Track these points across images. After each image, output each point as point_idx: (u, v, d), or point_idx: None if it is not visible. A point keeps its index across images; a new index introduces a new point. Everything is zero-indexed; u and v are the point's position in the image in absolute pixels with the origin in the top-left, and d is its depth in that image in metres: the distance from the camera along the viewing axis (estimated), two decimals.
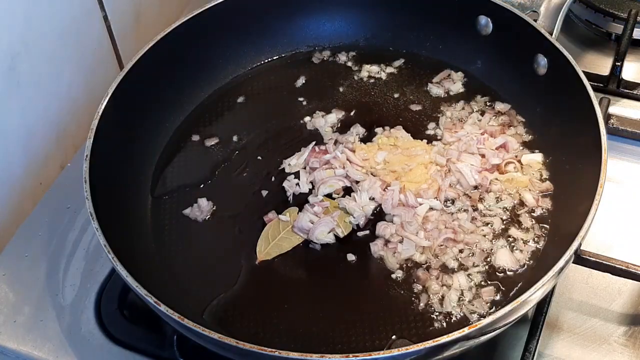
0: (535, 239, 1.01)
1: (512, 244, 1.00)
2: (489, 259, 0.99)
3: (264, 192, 1.09)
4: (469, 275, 0.97)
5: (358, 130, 1.16)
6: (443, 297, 0.95)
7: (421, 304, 0.95)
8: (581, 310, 1.00)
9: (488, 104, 1.18)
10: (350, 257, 1.01)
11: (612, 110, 1.20)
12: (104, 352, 0.99)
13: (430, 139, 1.14)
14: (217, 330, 0.81)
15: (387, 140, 1.13)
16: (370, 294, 0.97)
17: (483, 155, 1.10)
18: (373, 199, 1.06)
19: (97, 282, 1.05)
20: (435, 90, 1.21)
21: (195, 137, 1.17)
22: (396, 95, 1.21)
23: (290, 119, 1.19)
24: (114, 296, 1.03)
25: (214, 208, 1.07)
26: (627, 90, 1.25)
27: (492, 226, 1.03)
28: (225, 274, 1.00)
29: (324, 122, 1.18)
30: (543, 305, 0.96)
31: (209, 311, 0.96)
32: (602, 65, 1.30)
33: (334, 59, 1.27)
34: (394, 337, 0.92)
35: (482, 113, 1.16)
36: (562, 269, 0.86)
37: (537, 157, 1.10)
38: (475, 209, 1.04)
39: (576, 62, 1.04)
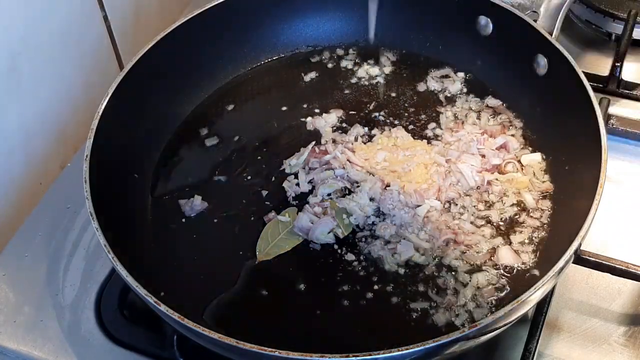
0: (535, 239, 1.01)
1: (513, 244, 1.00)
2: (489, 259, 0.99)
3: (264, 192, 1.09)
4: (469, 274, 0.98)
5: (358, 130, 1.16)
6: (453, 294, 0.95)
7: (421, 304, 0.95)
8: (581, 310, 1.00)
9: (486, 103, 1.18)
10: (350, 257, 1.01)
11: (612, 110, 1.20)
12: (104, 352, 0.99)
13: (430, 139, 1.14)
14: (217, 330, 0.81)
15: (387, 140, 1.13)
16: (370, 294, 0.97)
17: (483, 156, 1.10)
18: (373, 199, 1.06)
19: (97, 282, 1.05)
20: (433, 84, 1.21)
21: (196, 138, 1.17)
22: (396, 95, 1.21)
23: (290, 119, 1.19)
24: (114, 296, 1.03)
25: (206, 209, 1.07)
26: (627, 91, 1.24)
27: (492, 226, 1.03)
28: (225, 274, 1.00)
29: (324, 122, 1.18)
30: (543, 305, 0.96)
31: (209, 311, 0.96)
32: (602, 65, 1.30)
33: (334, 59, 1.27)
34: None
35: (480, 112, 1.17)
36: (562, 269, 0.86)
37: (537, 157, 1.10)
38: (476, 210, 1.04)
39: (576, 62, 1.04)
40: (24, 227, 1.13)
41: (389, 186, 1.06)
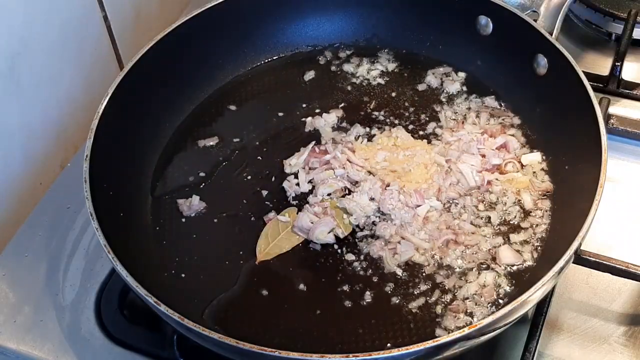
0: (535, 239, 1.01)
1: (513, 244, 1.00)
2: (489, 259, 0.99)
3: (264, 192, 1.09)
4: (469, 274, 0.98)
5: (358, 130, 1.16)
6: (453, 294, 0.95)
7: (421, 304, 0.95)
8: (581, 310, 1.01)
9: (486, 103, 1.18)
10: (350, 257, 1.01)
11: (612, 110, 1.20)
12: (104, 352, 0.99)
13: (430, 139, 1.14)
14: (217, 330, 0.81)
15: (387, 140, 1.13)
16: (370, 294, 0.97)
17: (483, 156, 1.10)
18: (373, 199, 1.06)
19: (97, 282, 1.05)
20: (433, 80, 1.21)
21: (195, 137, 1.17)
22: (396, 95, 1.21)
23: (290, 119, 1.19)
24: (114, 296, 1.03)
25: (206, 209, 1.07)
26: (627, 90, 1.24)
27: (492, 226, 1.03)
28: (225, 274, 1.00)
29: (324, 122, 1.17)
30: (543, 305, 0.96)
31: (209, 311, 0.96)
32: (602, 65, 1.30)
33: (334, 59, 1.27)
34: (388, 345, 0.92)
35: (480, 112, 1.17)
36: (562, 269, 0.86)
37: (537, 157, 1.10)
38: (476, 210, 1.04)
39: (576, 62, 1.04)
40: (24, 227, 1.13)
41: (389, 186, 1.06)
